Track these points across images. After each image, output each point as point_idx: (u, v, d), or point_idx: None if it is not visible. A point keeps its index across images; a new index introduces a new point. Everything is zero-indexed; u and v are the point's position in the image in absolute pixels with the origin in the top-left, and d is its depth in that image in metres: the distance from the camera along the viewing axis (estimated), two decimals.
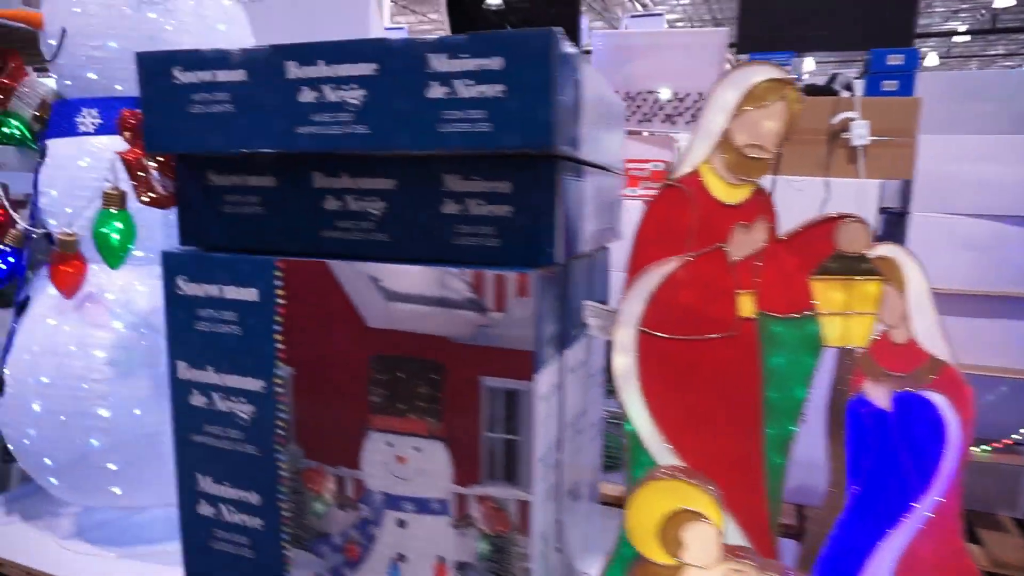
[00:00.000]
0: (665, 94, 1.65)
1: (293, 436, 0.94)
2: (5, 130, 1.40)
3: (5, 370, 1.21)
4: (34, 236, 1.23)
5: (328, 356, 0.90)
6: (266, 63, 0.83)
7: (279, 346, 0.92)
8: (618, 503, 1.40)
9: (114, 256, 1.01)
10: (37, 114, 1.42)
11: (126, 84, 1.19)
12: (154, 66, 0.88)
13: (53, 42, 1.19)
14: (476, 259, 0.84)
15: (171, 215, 1.14)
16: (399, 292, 0.86)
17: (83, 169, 1.18)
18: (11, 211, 1.26)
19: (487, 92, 0.75)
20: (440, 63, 0.76)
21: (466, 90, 0.76)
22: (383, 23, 1.90)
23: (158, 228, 1.20)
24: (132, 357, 1.15)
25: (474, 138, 0.77)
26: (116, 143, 1.16)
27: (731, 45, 1.70)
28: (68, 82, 1.24)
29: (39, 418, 1.17)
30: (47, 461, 1.19)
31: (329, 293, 0.89)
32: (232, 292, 0.93)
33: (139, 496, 1.23)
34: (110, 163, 1.00)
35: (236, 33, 1.28)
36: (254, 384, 0.94)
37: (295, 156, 0.90)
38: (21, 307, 1.22)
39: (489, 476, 0.86)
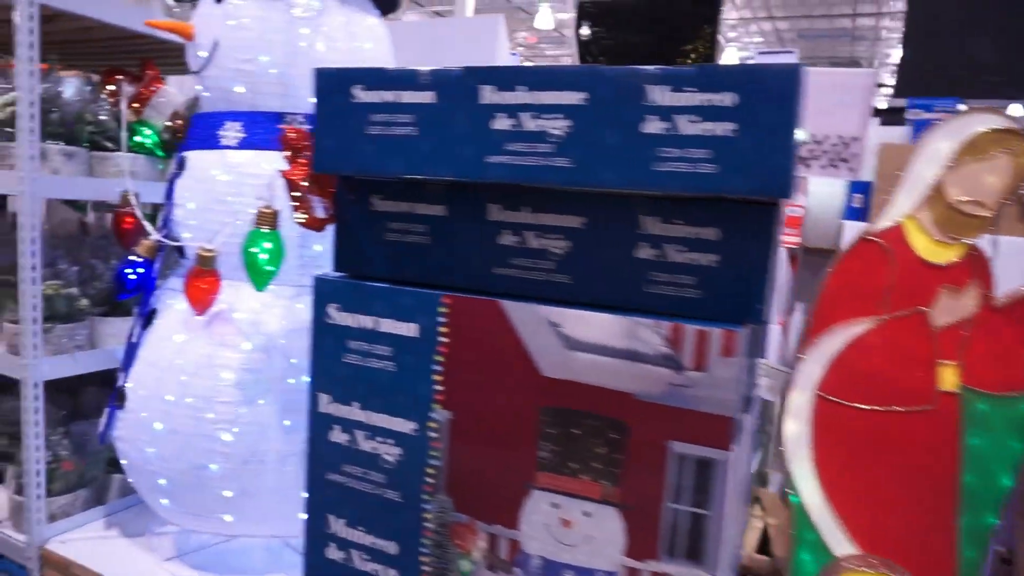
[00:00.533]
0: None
1: (443, 486, 0.86)
2: (137, 138, 1.39)
3: (127, 383, 1.17)
4: (166, 248, 1.20)
5: (493, 403, 0.83)
6: (459, 86, 0.77)
7: (437, 387, 0.85)
8: (744, 571, 1.29)
9: (261, 277, 0.96)
10: (169, 124, 1.40)
11: (273, 99, 1.15)
12: (333, 83, 0.83)
13: (203, 53, 1.16)
14: (669, 310, 0.76)
15: (309, 237, 1.09)
16: (581, 340, 0.78)
17: (223, 183, 1.14)
18: (144, 220, 1.22)
19: (714, 130, 0.68)
20: (661, 95, 0.69)
21: (689, 127, 0.69)
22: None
23: (293, 249, 1.15)
24: (259, 381, 1.10)
25: (694, 180, 0.69)
26: (259, 159, 1.12)
27: None
28: (207, 93, 1.21)
29: (159, 437, 1.12)
30: (161, 481, 1.14)
31: (500, 335, 0.81)
32: (389, 325, 0.87)
33: (248, 526, 1.17)
34: (267, 180, 0.95)
35: (381, 53, 1.24)
36: (405, 426, 0.87)
37: (471, 185, 0.83)
38: (147, 320, 1.18)
39: (668, 551, 0.77)
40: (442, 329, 0.85)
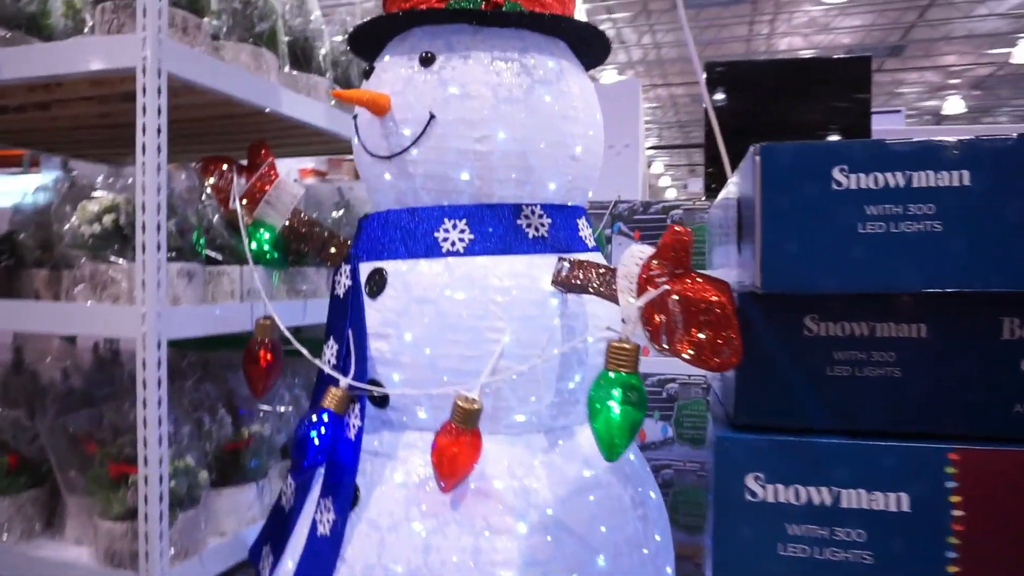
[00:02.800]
0: None
1: None
2: (253, 244, 1.06)
3: None
4: (362, 398, 0.88)
5: None
6: (1012, 159, 0.56)
7: None
8: None
9: (618, 439, 0.68)
10: (288, 224, 1.09)
11: (507, 187, 0.90)
12: (800, 164, 0.59)
13: (408, 132, 0.88)
14: None
15: (568, 369, 0.82)
16: None
17: (458, 304, 0.85)
18: (320, 362, 0.90)
19: None
20: None
21: None
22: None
23: (548, 385, 0.87)
24: (549, 574, 0.80)
25: None
26: (497, 267, 0.85)
27: None
28: (401, 183, 0.92)
29: None
30: None
31: None
32: (859, 499, 0.63)
33: None
34: (625, 312, 0.68)
35: (600, 122, 1.01)
36: None
37: (965, 296, 0.61)
38: (354, 501, 0.85)
39: None
40: (953, 499, 0.61)
